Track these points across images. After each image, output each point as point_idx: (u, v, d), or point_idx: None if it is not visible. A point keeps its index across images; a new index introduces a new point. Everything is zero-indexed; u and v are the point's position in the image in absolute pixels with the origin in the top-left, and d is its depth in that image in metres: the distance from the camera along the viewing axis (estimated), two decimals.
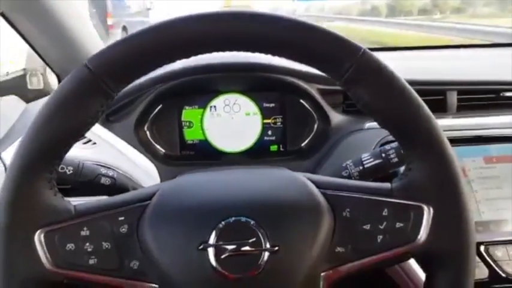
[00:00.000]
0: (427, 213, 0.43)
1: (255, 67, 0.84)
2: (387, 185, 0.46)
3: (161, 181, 0.83)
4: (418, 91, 0.89)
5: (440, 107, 0.88)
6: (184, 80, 0.83)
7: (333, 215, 0.44)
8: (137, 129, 0.85)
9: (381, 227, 0.44)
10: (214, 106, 0.88)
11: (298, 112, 0.89)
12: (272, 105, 0.89)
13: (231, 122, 0.89)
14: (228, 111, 0.89)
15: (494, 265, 0.71)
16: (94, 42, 0.95)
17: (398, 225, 0.44)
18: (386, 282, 0.71)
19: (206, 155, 0.89)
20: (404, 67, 1.05)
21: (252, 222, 0.42)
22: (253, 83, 0.88)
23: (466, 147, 0.81)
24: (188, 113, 0.89)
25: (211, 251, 0.41)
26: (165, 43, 0.40)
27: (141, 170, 0.82)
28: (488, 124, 0.84)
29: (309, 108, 0.88)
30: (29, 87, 1.00)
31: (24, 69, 1.02)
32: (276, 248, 0.42)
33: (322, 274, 0.44)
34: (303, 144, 0.90)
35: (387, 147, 0.58)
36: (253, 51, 0.42)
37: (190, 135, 0.89)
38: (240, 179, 0.49)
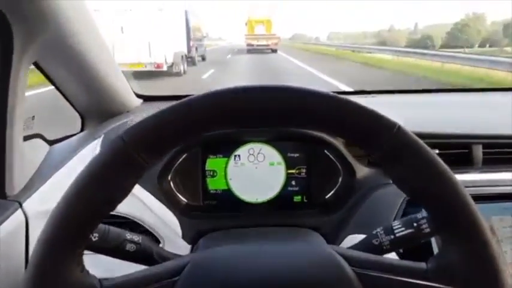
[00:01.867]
0: None
1: None
2: (422, 265, 0.44)
3: (183, 234, 0.82)
4: (443, 144, 0.89)
5: (465, 160, 0.88)
6: None
7: None
8: (161, 179, 0.84)
9: None
10: (239, 155, 0.88)
11: (323, 163, 0.88)
12: (296, 155, 0.89)
13: (255, 171, 0.88)
14: (252, 160, 0.88)
15: None
16: (122, 89, 0.96)
17: None
18: None
19: (229, 205, 0.88)
20: (428, 117, 1.06)
21: None
22: (278, 133, 0.88)
23: (493, 205, 0.80)
24: (212, 162, 0.88)
25: None
26: (196, 118, 0.41)
27: (164, 222, 0.81)
28: None
29: (333, 159, 0.88)
30: None
31: None
32: None
33: None
34: (327, 197, 0.89)
35: (419, 215, 0.56)
36: (288, 126, 0.42)
37: (214, 185, 0.89)
38: (272, 255, 0.48)
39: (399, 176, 0.42)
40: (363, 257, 0.47)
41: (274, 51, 25.61)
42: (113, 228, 0.55)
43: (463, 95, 1.53)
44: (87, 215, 0.40)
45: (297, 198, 0.90)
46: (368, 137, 0.41)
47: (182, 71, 11.51)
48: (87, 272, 0.43)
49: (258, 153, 0.88)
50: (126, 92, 1.00)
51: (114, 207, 0.41)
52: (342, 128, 0.42)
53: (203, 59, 16.76)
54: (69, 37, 0.78)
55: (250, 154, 0.88)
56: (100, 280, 0.43)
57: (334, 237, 0.81)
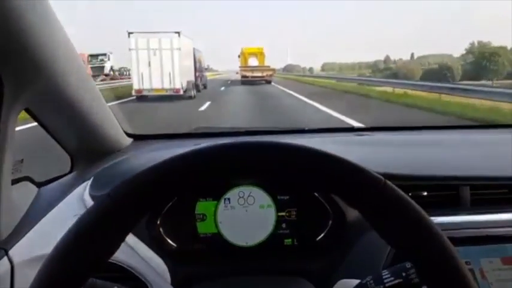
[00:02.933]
0: None
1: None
2: None
3: (172, 279, 0.81)
4: (430, 186, 0.90)
5: (453, 202, 0.89)
6: None
7: None
8: (150, 224, 0.84)
9: None
10: (229, 198, 0.88)
11: (313, 206, 0.89)
12: (287, 197, 0.89)
13: (245, 214, 0.88)
14: (242, 203, 0.88)
15: None
16: (112, 128, 0.97)
17: None
18: None
19: (219, 250, 0.88)
20: (412, 154, 1.08)
21: None
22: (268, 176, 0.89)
23: (482, 247, 0.80)
24: (202, 206, 0.88)
25: None
26: (182, 175, 0.43)
27: (152, 268, 0.80)
28: (504, 221, 0.84)
29: (323, 202, 0.88)
30: None
31: None
32: None
33: None
34: (317, 239, 0.89)
35: (407, 265, 0.57)
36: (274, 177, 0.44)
37: (203, 229, 0.88)
38: None
39: (385, 231, 0.43)
40: None
41: (268, 82, 25.72)
42: (100, 282, 0.54)
43: (461, 132, 1.55)
44: (74, 275, 0.40)
45: (288, 241, 0.90)
46: (353, 193, 0.42)
47: (193, 95, 14.97)
48: None
49: (248, 196, 0.88)
50: (116, 131, 1.00)
51: (102, 266, 0.42)
52: (326, 183, 0.43)
53: (205, 87, 19.25)
54: (60, 83, 0.79)
55: (240, 197, 0.88)
56: None
57: (325, 282, 0.81)
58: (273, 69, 28.93)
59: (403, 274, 0.56)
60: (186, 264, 0.84)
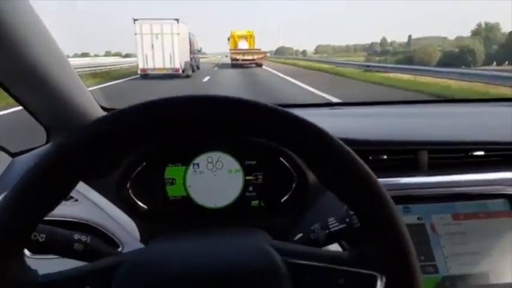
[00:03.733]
0: (381, 283, 0.47)
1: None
2: (345, 253, 0.49)
3: (141, 238, 0.86)
4: (390, 150, 0.95)
5: (411, 165, 0.93)
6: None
7: (292, 284, 0.48)
8: (119, 186, 0.88)
9: None
10: (198, 164, 0.92)
11: (278, 170, 0.93)
12: (254, 162, 0.94)
13: (214, 179, 0.93)
14: (210, 168, 0.92)
15: None
16: (86, 102, 0.99)
17: None
18: None
19: (188, 212, 0.92)
20: (377, 124, 1.12)
21: None
22: (235, 142, 0.93)
23: (435, 205, 0.85)
24: (171, 171, 0.92)
25: None
26: (133, 128, 0.44)
27: (124, 229, 0.84)
28: (456, 182, 0.88)
29: (288, 166, 0.93)
30: None
31: None
32: None
33: None
34: (282, 200, 0.94)
35: (351, 212, 0.61)
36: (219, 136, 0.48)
37: (173, 192, 0.93)
38: (207, 251, 0.52)
39: (326, 179, 0.47)
40: (294, 248, 0.51)
41: (259, 65, 25.44)
42: (61, 230, 0.56)
43: (430, 106, 1.59)
44: (25, 216, 0.43)
45: (255, 203, 0.95)
46: (298, 144, 0.46)
47: (190, 74, 17.85)
48: (29, 268, 0.46)
49: (217, 161, 0.92)
50: (91, 104, 1.03)
51: (51, 209, 0.45)
52: (272, 135, 0.46)
53: (198, 67, 22.25)
54: (27, 55, 0.79)
55: (209, 162, 0.92)
56: (39, 276, 0.46)
57: (285, 236, 0.86)
58: (264, 53, 28.61)
59: (347, 220, 0.61)
60: (156, 225, 0.89)
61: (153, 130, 0.45)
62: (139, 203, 0.91)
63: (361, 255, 0.48)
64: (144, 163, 0.91)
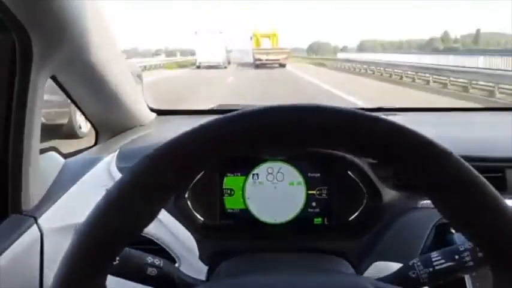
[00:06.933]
0: None
1: None
2: None
3: (200, 254, 0.81)
4: (475, 168, 0.81)
5: (498, 186, 0.80)
6: None
7: None
8: (177, 197, 0.83)
9: None
10: (257, 174, 0.85)
11: (345, 184, 0.84)
12: (317, 175, 0.85)
13: (274, 191, 0.85)
14: (271, 179, 0.85)
15: None
16: (136, 102, 0.97)
17: None
18: None
19: (246, 225, 0.86)
20: (459, 137, 0.99)
21: None
22: (297, 152, 0.85)
23: None
24: (230, 181, 0.86)
25: None
26: (226, 137, 0.38)
27: (180, 241, 0.79)
28: None
29: (357, 180, 0.83)
30: None
31: None
32: None
33: None
34: (350, 219, 0.85)
35: (461, 248, 0.53)
36: (328, 149, 0.39)
37: (231, 204, 0.86)
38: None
39: (447, 205, 0.38)
40: None
41: (282, 65, 24.96)
42: (133, 251, 0.54)
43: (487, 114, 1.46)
44: (113, 240, 0.37)
45: (318, 221, 0.86)
46: (418, 165, 0.37)
47: (226, 66, 26.45)
48: None
49: (278, 172, 0.85)
50: (140, 105, 1.01)
51: (140, 231, 0.39)
52: (387, 154, 0.38)
53: (229, 63, 29.34)
54: (86, 51, 0.79)
55: (269, 173, 0.85)
56: None
57: (359, 263, 0.78)
58: (288, 52, 28.36)
59: (456, 257, 0.53)
60: (213, 239, 0.83)
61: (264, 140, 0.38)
62: (196, 214, 0.85)
63: None
64: (203, 172, 0.84)
